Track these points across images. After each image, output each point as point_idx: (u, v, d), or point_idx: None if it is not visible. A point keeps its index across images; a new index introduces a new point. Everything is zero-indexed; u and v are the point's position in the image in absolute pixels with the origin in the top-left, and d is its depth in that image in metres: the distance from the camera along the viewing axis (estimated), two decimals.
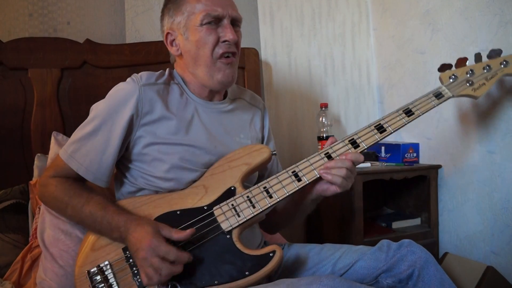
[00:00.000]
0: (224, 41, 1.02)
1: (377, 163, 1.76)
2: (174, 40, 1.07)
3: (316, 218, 1.84)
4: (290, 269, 1.07)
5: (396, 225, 1.77)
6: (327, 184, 1.01)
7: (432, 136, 1.77)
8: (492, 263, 1.50)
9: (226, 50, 1.02)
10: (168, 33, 1.08)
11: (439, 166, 1.74)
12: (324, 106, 1.80)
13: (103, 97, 1.05)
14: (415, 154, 1.75)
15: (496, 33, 1.45)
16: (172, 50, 1.09)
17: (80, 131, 1.01)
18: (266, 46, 1.93)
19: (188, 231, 0.89)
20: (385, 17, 2.02)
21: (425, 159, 1.81)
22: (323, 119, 1.78)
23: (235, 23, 1.05)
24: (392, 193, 1.97)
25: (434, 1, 1.71)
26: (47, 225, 1.13)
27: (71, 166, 0.98)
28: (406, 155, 1.73)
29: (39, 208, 1.24)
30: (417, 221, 1.80)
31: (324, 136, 1.77)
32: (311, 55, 2.01)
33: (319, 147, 1.78)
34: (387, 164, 1.75)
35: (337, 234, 1.72)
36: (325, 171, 0.98)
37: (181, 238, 0.88)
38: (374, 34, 2.11)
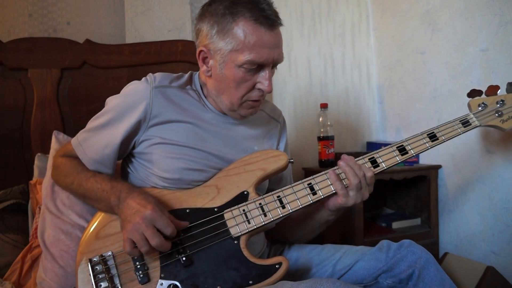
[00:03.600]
0: (259, 89, 0.98)
1: None
2: (206, 58, 1.00)
3: None
4: (290, 270, 1.05)
5: (396, 225, 1.76)
6: (334, 197, 1.00)
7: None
8: (492, 263, 1.50)
9: (258, 99, 0.99)
10: (202, 50, 0.99)
11: (439, 166, 1.73)
12: (324, 106, 1.80)
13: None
14: None
15: (496, 33, 1.45)
16: (203, 69, 1.02)
17: (93, 122, 1.03)
18: None
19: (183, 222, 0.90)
20: (385, 17, 2.02)
21: (425, 159, 1.81)
22: (323, 119, 1.78)
23: (274, 65, 1.00)
24: (392, 193, 1.97)
25: (434, 1, 1.71)
26: (48, 225, 1.13)
27: (77, 153, 1.02)
28: None
29: (39, 208, 1.24)
30: (417, 221, 1.80)
31: (324, 136, 1.76)
32: (311, 55, 2.01)
33: (319, 147, 1.78)
34: None
35: (337, 234, 1.72)
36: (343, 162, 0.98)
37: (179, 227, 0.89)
38: (374, 34, 2.11)
